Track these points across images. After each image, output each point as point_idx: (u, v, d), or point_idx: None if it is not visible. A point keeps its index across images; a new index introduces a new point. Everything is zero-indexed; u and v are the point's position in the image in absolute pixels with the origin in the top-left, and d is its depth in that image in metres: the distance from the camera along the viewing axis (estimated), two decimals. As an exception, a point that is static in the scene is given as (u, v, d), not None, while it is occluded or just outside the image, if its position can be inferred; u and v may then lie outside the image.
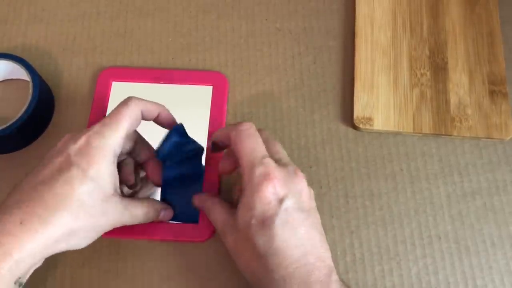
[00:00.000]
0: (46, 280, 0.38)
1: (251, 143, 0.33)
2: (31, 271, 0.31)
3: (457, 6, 0.48)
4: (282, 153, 0.35)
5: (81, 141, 0.32)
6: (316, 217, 0.33)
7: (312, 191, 0.34)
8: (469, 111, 0.43)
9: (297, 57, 0.47)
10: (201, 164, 0.41)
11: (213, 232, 0.39)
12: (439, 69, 0.45)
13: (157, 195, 0.41)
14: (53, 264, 0.39)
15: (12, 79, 0.45)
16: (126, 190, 0.39)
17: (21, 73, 0.43)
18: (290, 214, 0.31)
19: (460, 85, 0.44)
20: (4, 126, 0.40)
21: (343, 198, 0.41)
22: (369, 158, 0.43)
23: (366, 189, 0.42)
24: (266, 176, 0.31)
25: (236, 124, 0.34)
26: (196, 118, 0.43)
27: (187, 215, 0.39)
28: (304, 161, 0.43)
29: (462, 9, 0.48)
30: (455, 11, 0.47)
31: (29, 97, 0.41)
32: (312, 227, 0.32)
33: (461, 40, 0.46)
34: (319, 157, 0.43)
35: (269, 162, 0.32)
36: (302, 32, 0.48)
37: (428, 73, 0.45)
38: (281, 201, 0.31)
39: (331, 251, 0.37)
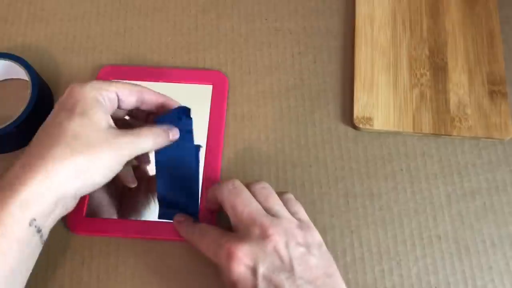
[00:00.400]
0: (46, 280, 0.38)
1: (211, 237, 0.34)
2: (51, 219, 0.31)
3: (457, 6, 0.48)
4: (301, 213, 0.35)
5: (65, 93, 0.34)
6: (317, 265, 0.32)
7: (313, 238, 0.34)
8: (468, 111, 0.43)
9: (297, 57, 0.47)
10: (194, 146, 0.40)
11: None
12: (439, 69, 0.45)
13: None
14: (53, 264, 0.39)
15: (11, 79, 0.45)
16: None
17: (21, 73, 0.43)
18: (270, 279, 0.30)
19: (460, 85, 0.44)
20: (3, 126, 0.40)
21: (343, 198, 0.41)
22: (369, 158, 0.43)
23: (366, 189, 0.42)
24: (229, 255, 0.31)
25: (221, 184, 0.35)
26: (196, 117, 0.42)
27: (187, 209, 0.39)
28: (304, 160, 0.43)
29: (462, 9, 0.48)
30: (455, 11, 0.47)
31: (29, 97, 0.41)
32: (307, 283, 0.31)
33: (461, 40, 0.46)
34: (319, 156, 0.43)
35: (232, 238, 0.32)
36: (302, 32, 0.48)
37: (428, 73, 0.45)
38: (254, 271, 0.31)
39: (331, 251, 0.37)
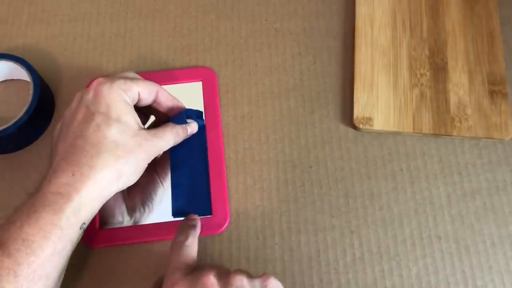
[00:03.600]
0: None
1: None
2: (91, 219, 0.34)
3: (457, 6, 0.48)
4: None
5: (91, 92, 0.35)
6: None
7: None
8: (469, 111, 0.43)
9: (297, 57, 0.47)
10: (205, 141, 0.42)
11: (228, 223, 0.40)
12: (439, 69, 0.45)
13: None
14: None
15: (12, 79, 0.46)
16: None
17: (22, 74, 0.43)
18: None
19: (460, 85, 0.44)
20: (4, 126, 0.40)
21: (343, 198, 0.41)
22: (369, 158, 0.43)
23: (366, 189, 0.42)
24: (171, 284, 0.31)
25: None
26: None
27: (199, 208, 0.40)
28: (304, 161, 0.43)
29: (462, 9, 0.48)
30: (455, 11, 0.47)
31: (30, 98, 0.41)
32: None
33: (461, 40, 0.46)
34: (319, 157, 0.43)
35: (181, 274, 0.31)
36: (302, 32, 0.48)
37: (428, 73, 0.45)
38: None
39: (331, 251, 0.37)
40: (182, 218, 0.39)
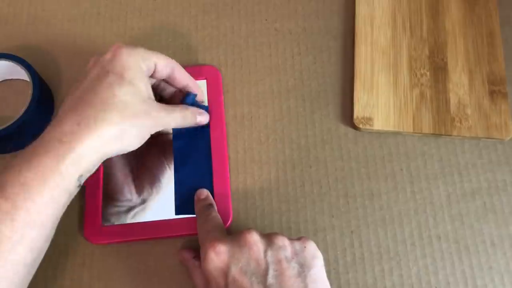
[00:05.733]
0: (47, 280, 0.38)
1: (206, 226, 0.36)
2: (89, 173, 0.34)
3: (457, 6, 0.48)
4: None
5: (109, 54, 0.35)
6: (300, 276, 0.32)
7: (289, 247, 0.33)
8: (469, 111, 0.43)
9: (297, 57, 0.47)
10: (209, 139, 0.43)
11: (231, 221, 0.40)
12: (439, 69, 0.45)
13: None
14: (53, 264, 0.39)
15: (12, 79, 0.46)
16: None
17: (21, 74, 0.43)
18: (238, 282, 0.31)
19: (460, 85, 0.44)
20: (4, 126, 0.40)
21: (343, 198, 0.41)
22: (369, 158, 0.43)
23: (366, 189, 0.42)
24: (210, 246, 0.32)
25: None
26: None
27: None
28: (304, 161, 0.43)
29: (462, 9, 0.48)
30: (455, 11, 0.47)
31: (29, 98, 0.41)
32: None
33: (461, 40, 0.46)
34: (319, 157, 0.43)
35: (222, 235, 0.33)
36: (302, 33, 0.48)
37: (428, 73, 0.45)
38: (225, 273, 0.31)
39: (331, 251, 0.37)
40: (184, 216, 0.40)
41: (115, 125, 0.33)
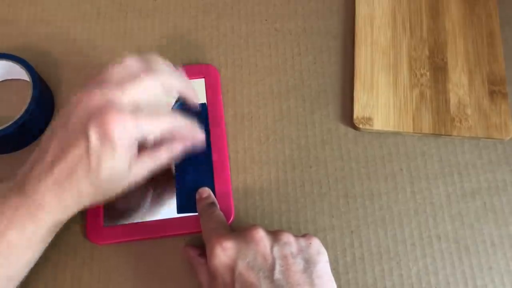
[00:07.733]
0: (46, 280, 0.38)
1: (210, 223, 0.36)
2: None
3: (457, 6, 0.48)
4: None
5: (99, 128, 0.31)
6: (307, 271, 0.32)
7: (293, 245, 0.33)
8: (469, 111, 0.43)
9: (297, 58, 0.47)
10: (209, 137, 0.42)
11: (233, 219, 0.40)
12: (438, 69, 0.45)
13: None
14: (53, 264, 0.39)
15: (12, 79, 0.45)
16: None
17: (21, 73, 0.43)
18: (245, 277, 0.31)
19: (460, 85, 0.44)
20: (4, 126, 0.40)
21: (343, 198, 0.41)
22: (369, 158, 0.43)
23: (366, 189, 0.42)
24: (217, 242, 0.32)
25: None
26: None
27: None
28: (304, 161, 0.43)
29: (462, 9, 0.48)
30: (455, 11, 0.47)
31: (29, 97, 0.41)
32: (285, 284, 0.30)
33: (461, 40, 0.46)
34: (319, 157, 0.43)
35: (228, 232, 0.33)
36: (302, 33, 0.48)
37: (428, 73, 0.45)
38: (232, 268, 0.31)
39: (331, 251, 0.37)
40: (186, 214, 0.40)
41: (76, 201, 0.32)
